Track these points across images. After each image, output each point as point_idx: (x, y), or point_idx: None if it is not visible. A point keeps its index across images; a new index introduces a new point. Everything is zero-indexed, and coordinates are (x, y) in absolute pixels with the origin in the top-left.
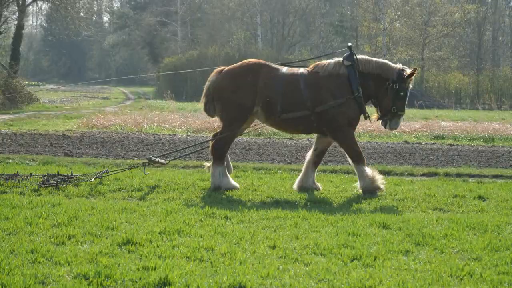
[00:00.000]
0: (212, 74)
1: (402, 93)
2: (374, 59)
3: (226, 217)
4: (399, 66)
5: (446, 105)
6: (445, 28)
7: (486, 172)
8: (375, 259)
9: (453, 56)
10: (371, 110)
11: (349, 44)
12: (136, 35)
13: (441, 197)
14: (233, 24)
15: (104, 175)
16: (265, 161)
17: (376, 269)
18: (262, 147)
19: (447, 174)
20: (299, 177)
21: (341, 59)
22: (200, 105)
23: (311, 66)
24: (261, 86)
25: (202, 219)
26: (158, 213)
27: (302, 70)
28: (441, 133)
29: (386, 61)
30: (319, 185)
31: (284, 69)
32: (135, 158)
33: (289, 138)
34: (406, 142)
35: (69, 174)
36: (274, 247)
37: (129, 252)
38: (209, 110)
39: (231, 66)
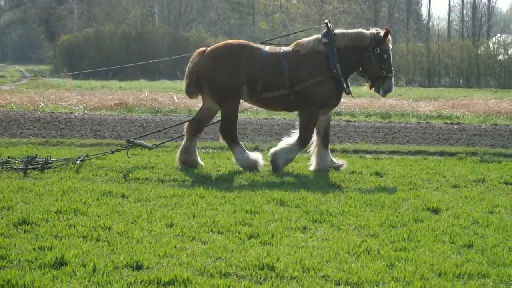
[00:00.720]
0: (194, 55)
1: (385, 55)
2: (350, 30)
3: (123, 196)
4: (373, 30)
5: None
6: (341, 5)
7: (383, 148)
8: (272, 237)
9: None
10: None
11: (326, 20)
12: (32, 13)
13: (338, 173)
14: (130, 1)
15: (85, 158)
16: (162, 139)
17: (274, 247)
18: (159, 124)
19: (344, 151)
20: (314, 161)
21: (320, 36)
22: (183, 86)
23: (292, 45)
24: (243, 66)
25: (99, 198)
26: (55, 192)
27: (283, 48)
28: (338, 109)
29: (360, 29)
30: (340, 161)
31: (266, 49)
32: (31, 137)
33: (187, 116)
34: None
35: (48, 157)
36: (171, 225)
37: (25, 232)
38: (191, 92)
39: (213, 47)
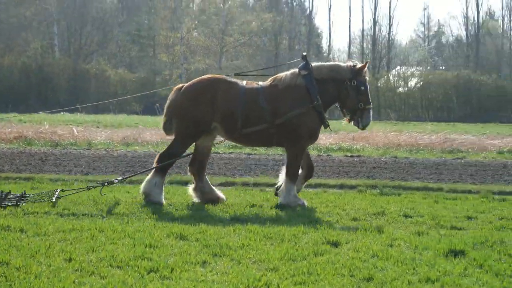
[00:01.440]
0: (172, 92)
1: (362, 88)
2: (326, 63)
3: (21, 230)
4: (349, 63)
5: None
6: (242, 37)
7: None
8: (172, 271)
9: (251, 65)
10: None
11: (304, 53)
12: None
13: (239, 206)
14: (30, 33)
15: (61, 194)
16: (62, 172)
17: (173, 281)
18: (59, 158)
19: (245, 184)
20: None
21: (297, 69)
22: (161, 124)
23: (269, 79)
24: (220, 101)
25: None
26: None
27: (261, 83)
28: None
29: (336, 62)
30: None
31: (243, 83)
32: None
33: (86, 149)
34: None
35: (23, 193)
36: (70, 260)
37: None
38: (167, 129)
39: (189, 83)
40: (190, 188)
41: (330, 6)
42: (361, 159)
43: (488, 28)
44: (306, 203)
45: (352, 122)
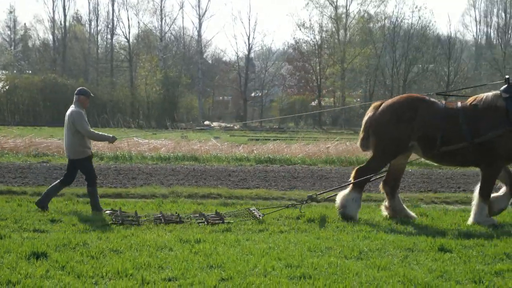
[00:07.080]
0: (370, 109)
1: None
2: None
3: None
4: None
5: None
6: None
7: None
8: None
9: None
10: None
11: (507, 76)
12: None
13: None
14: None
15: (267, 212)
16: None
17: None
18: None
19: None
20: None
21: (498, 91)
22: (358, 140)
23: (470, 99)
24: (419, 121)
25: None
26: None
27: (460, 103)
28: None
29: None
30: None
31: (443, 103)
32: None
33: None
34: None
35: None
36: None
37: None
38: (364, 145)
39: (389, 101)
40: (383, 205)
41: None
42: None
43: (75, 32)
44: (497, 223)
45: None
